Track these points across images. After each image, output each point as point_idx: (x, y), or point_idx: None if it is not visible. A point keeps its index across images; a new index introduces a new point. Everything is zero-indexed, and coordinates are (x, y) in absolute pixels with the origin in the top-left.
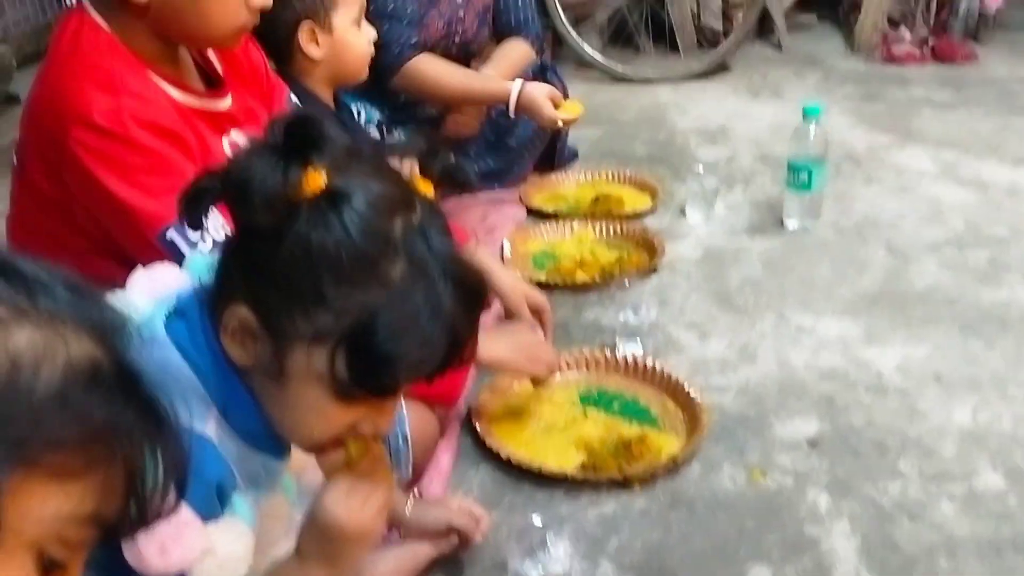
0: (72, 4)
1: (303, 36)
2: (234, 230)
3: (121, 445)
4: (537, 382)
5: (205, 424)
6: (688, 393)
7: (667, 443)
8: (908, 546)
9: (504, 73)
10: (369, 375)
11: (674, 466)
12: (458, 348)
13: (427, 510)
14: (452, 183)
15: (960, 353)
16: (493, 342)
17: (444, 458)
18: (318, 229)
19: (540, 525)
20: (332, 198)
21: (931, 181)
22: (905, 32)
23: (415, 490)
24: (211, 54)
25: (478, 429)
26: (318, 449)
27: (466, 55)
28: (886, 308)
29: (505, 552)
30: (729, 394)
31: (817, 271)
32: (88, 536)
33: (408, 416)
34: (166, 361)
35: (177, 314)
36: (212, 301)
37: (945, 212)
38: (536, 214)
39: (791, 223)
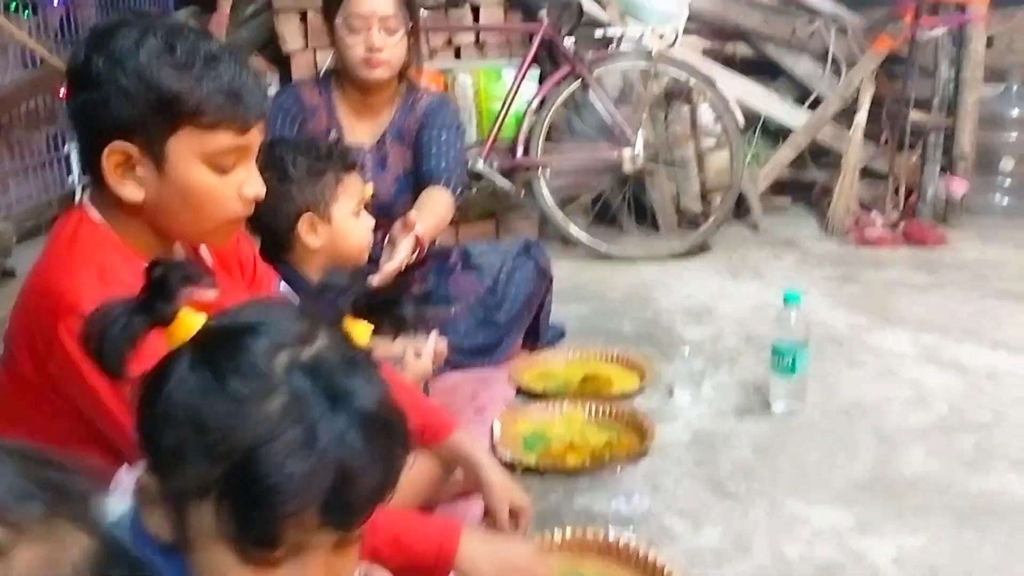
0: (75, 182)
1: (303, 227)
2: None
3: None
4: None
5: None
6: None
7: None
8: None
9: (425, 222)
10: (252, 522)
11: None
12: (354, 489)
13: None
14: (390, 322)
15: (954, 545)
16: (478, 553)
17: None
18: (186, 376)
19: None
20: (199, 342)
21: (912, 364)
22: (877, 216)
23: None
24: (202, 247)
25: None
26: None
27: (387, 216)
28: (878, 496)
29: None
30: None
31: (807, 456)
32: None
33: None
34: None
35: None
36: None
37: (928, 396)
38: (525, 393)
39: (778, 406)
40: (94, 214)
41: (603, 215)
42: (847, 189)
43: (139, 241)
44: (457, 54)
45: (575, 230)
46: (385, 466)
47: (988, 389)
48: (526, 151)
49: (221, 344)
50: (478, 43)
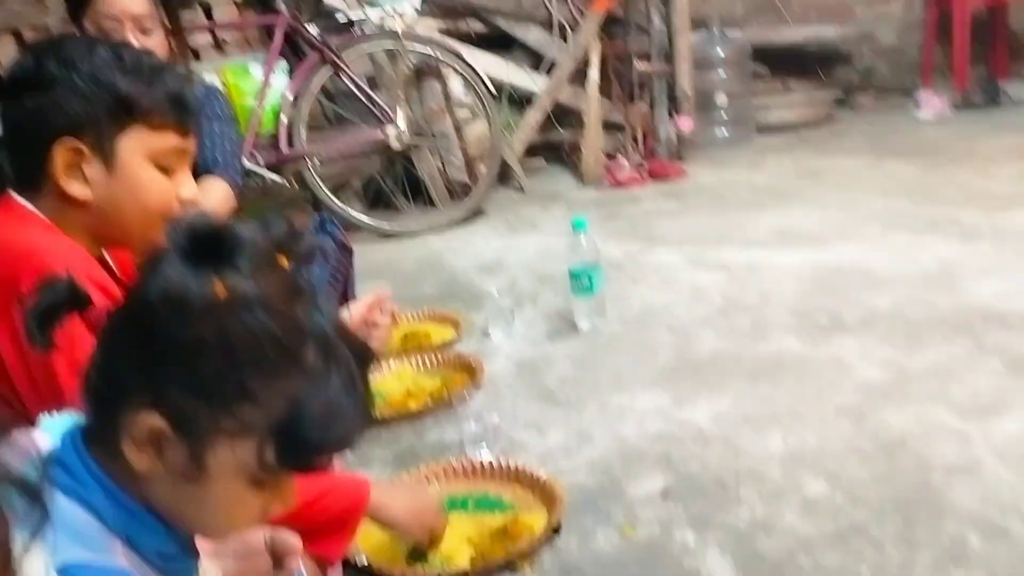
0: None
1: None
2: (118, 336)
3: None
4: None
5: (116, 557)
6: (531, 475)
7: (536, 520)
8: (772, 554)
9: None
10: (300, 459)
11: (555, 534)
12: (368, 412)
13: None
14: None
15: (756, 397)
16: (391, 500)
17: None
18: (238, 329)
19: None
20: (245, 297)
21: (684, 271)
22: (623, 160)
23: None
24: (108, 257)
25: (362, 562)
26: (229, 537)
27: None
28: (685, 376)
29: None
30: (580, 473)
31: (619, 359)
32: None
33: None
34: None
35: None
36: (91, 434)
37: (703, 293)
38: None
39: (583, 324)
40: (27, 205)
41: (378, 198)
42: (593, 142)
43: (76, 240)
44: (196, 56)
45: (355, 214)
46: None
47: (750, 279)
48: (290, 143)
49: (253, 299)
50: (216, 43)
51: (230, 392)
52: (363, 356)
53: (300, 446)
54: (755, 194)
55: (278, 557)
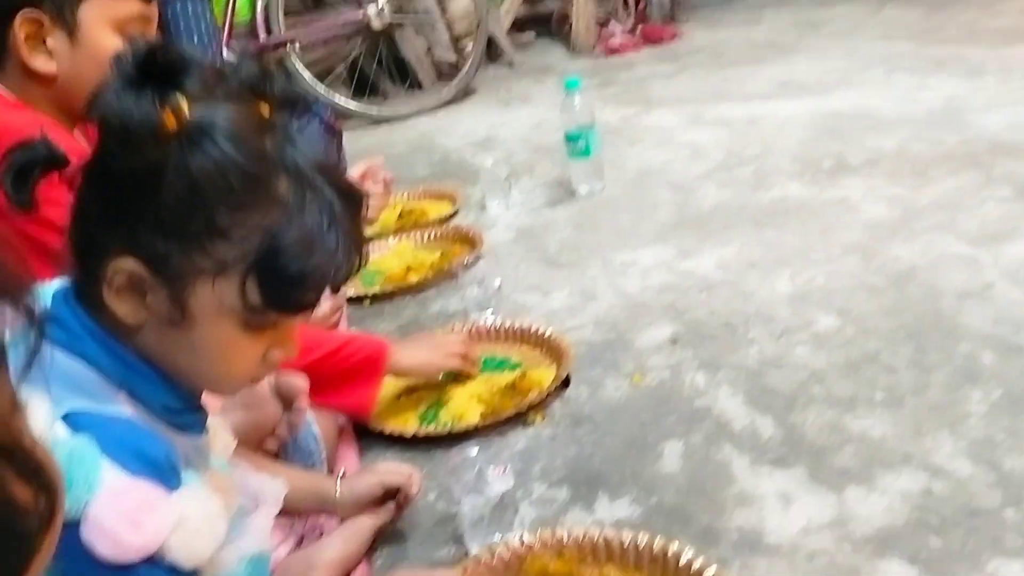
0: None
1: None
2: (87, 187)
3: None
4: (457, 377)
5: (120, 406)
6: (537, 333)
7: (544, 375)
8: (783, 387)
9: None
10: (283, 296)
11: (565, 386)
12: (357, 252)
13: (357, 481)
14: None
15: (761, 243)
16: (409, 351)
17: (350, 453)
18: (198, 159)
19: (474, 454)
20: (202, 126)
21: (683, 130)
22: (615, 26)
23: (341, 470)
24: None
25: (374, 426)
26: (234, 391)
27: None
28: (688, 228)
29: (444, 498)
30: (587, 329)
31: (620, 219)
32: None
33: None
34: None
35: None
36: (77, 287)
37: (704, 149)
38: None
39: (582, 188)
40: None
41: (364, 83)
42: (583, 10)
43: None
44: None
45: (342, 101)
46: (362, 229)
47: (750, 131)
48: (268, 30)
49: (214, 128)
50: None
51: (200, 228)
52: (351, 196)
53: (281, 281)
54: (753, 50)
55: (286, 400)
